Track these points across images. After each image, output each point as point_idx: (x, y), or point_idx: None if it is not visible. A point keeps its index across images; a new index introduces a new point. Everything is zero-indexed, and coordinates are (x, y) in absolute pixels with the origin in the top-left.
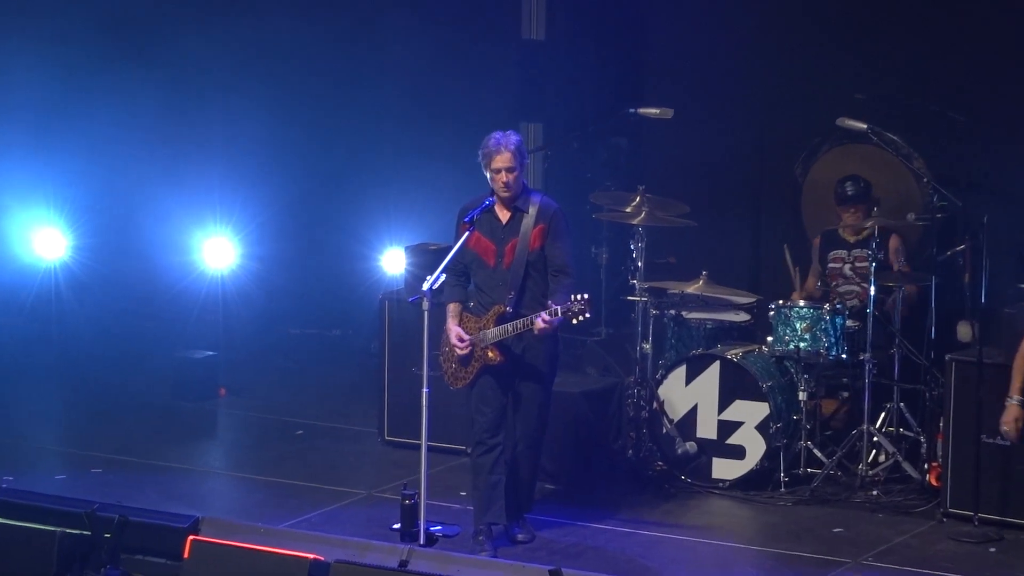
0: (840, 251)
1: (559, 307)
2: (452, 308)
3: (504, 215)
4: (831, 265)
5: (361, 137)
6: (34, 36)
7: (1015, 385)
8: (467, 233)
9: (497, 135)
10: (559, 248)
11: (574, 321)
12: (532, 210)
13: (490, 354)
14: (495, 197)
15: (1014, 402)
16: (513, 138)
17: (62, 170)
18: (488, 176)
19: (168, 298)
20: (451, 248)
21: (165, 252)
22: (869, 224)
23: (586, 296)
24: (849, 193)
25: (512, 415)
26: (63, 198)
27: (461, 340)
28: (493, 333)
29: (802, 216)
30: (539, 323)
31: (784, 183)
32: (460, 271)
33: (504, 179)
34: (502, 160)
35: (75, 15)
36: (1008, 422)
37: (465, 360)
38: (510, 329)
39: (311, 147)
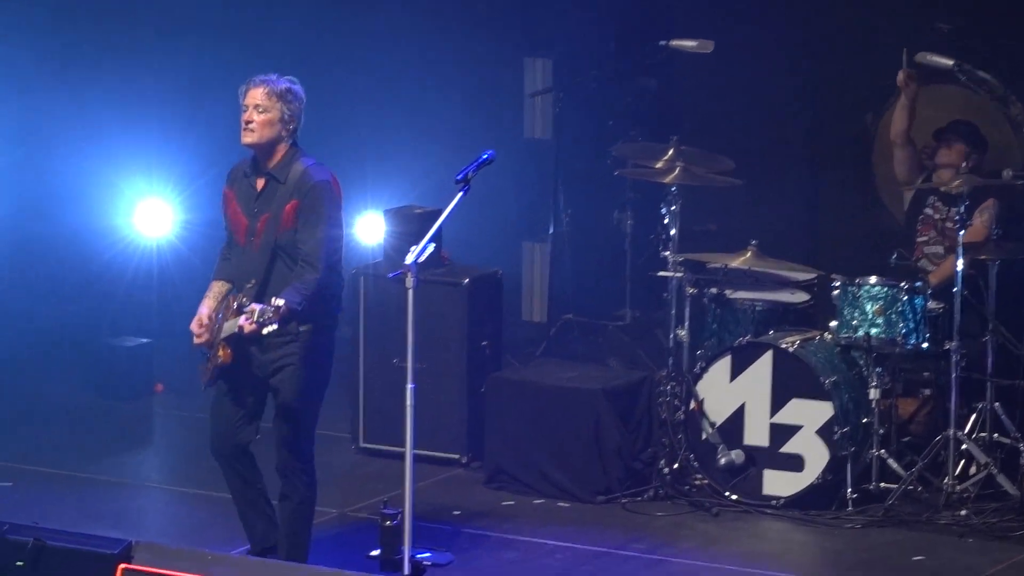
0: (939, 202)
1: (259, 308)
2: (214, 287)
3: (260, 182)
4: (926, 211)
5: (331, 81)
6: None
7: None
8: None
9: (270, 74)
10: (310, 232)
11: (264, 331)
12: (288, 180)
13: (220, 352)
14: (494, 151)
15: None
16: (283, 83)
17: None
18: None
19: (91, 273)
20: (441, 212)
21: (87, 217)
22: (957, 183)
23: (280, 303)
24: (956, 126)
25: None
26: None
27: (199, 323)
28: (229, 325)
29: (874, 174)
30: (241, 321)
31: (851, 133)
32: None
33: (247, 118)
34: (252, 95)
35: None
36: None
37: (207, 353)
38: (236, 326)
39: None
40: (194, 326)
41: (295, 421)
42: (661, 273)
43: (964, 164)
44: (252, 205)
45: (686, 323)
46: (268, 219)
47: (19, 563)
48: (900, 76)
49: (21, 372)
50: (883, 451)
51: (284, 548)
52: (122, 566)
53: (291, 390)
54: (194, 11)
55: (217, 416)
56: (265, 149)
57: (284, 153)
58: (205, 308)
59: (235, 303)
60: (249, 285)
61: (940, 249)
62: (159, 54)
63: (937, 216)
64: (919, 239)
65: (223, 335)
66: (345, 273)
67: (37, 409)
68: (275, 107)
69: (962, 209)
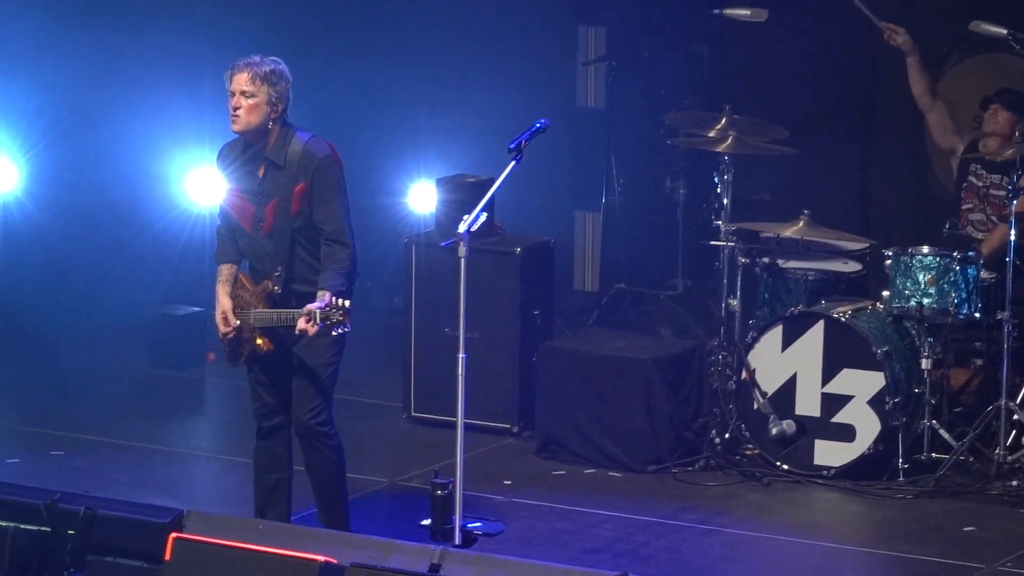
0: (982, 169)
1: (318, 309)
2: (224, 271)
3: (260, 169)
4: (969, 179)
5: (383, 49)
6: None
7: None
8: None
9: (251, 56)
10: (328, 210)
11: (333, 333)
12: (289, 163)
13: (259, 340)
14: (547, 120)
15: None
16: (267, 64)
17: (7, 81)
18: None
19: (144, 241)
20: (493, 181)
21: (140, 184)
22: (1009, 153)
23: (346, 304)
24: (1002, 94)
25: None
26: (13, 114)
27: (226, 322)
28: (261, 316)
29: (926, 145)
30: (300, 324)
31: (903, 102)
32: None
33: (234, 104)
34: (238, 81)
35: None
36: None
37: (235, 339)
38: (274, 318)
39: (321, 61)
40: (219, 320)
41: (319, 386)
42: (713, 242)
43: (1015, 134)
44: (257, 192)
45: (738, 293)
46: (277, 204)
47: (70, 532)
48: (885, 34)
49: (75, 341)
50: (934, 421)
51: (323, 517)
52: (173, 535)
53: (316, 356)
54: None
55: (256, 397)
56: (256, 134)
57: (277, 135)
58: (225, 298)
59: (261, 290)
60: (277, 273)
61: (982, 216)
62: (212, 22)
63: (980, 183)
64: (964, 207)
65: (259, 324)
66: (399, 242)
67: (89, 377)
68: (261, 91)
69: (1015, 178)
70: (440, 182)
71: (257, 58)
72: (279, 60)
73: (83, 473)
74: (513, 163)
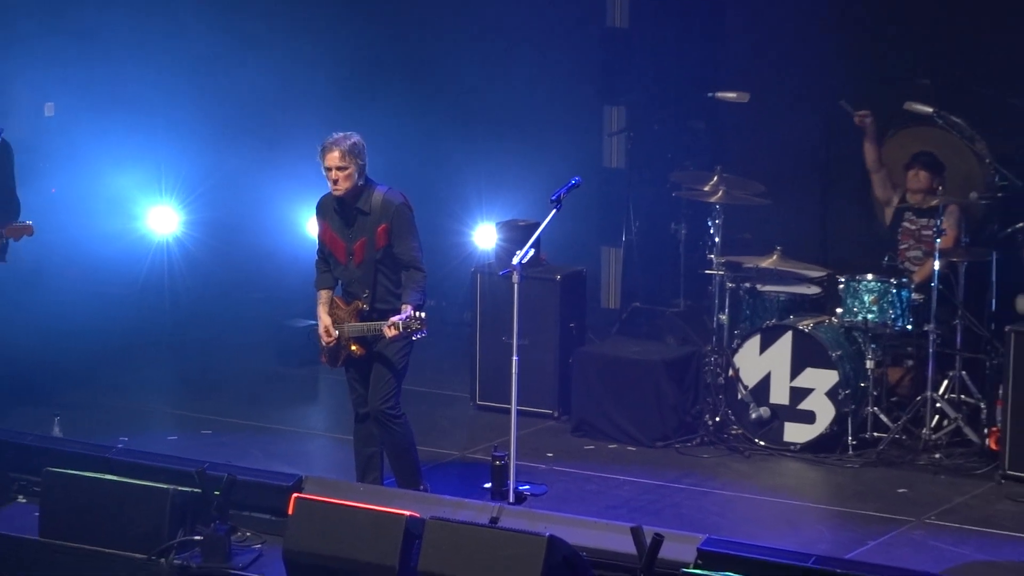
0: (913, 215)
1: (401, 320)
2: (323, 295)
3: (351, 215)
4: (904, 224)
5: (454, 117)
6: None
7: None
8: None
9: (335, 134)
10: (405, 244)
11: (414, 338)
12: (373, 209)
13: (353, 347)
14: (580, 177)
15: None
16: (349, 140)
17: (175, 149)
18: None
19: (274, 270)
20: (539, 224)
21: (272, 226)
22: (935, 202)
23: (423, 315)
24: (919, 157)
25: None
26: (173, 170)
27: (328, 333)
28: (355, 328)
29: (870, 196)
30: (388, 331)
31: (853, 163)
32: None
33: (333, 177)
34: (331, 159)
35: None
36: None
37: (335, 347)
38: (364, 329)
39: (403, 127)
40: (323, 333)
41: (392, 377)
42: (707, 271)
43: (939, 188)
44: (347, 233)
45: (726, 310)
46: (365, 242)
47: (216, 492)
48: (856, 119)
49: (221, 346)
50: (876, 408)
51: (400, 483)
52: (295, 495)
53: (391, 354)
54: (361, 60)
55: (352, 390)
56: (351, 193)
57: (362, 189)
58: (325, 316)
59: (353, 308)
60: (365, 295)
61: (919, 253)
62: (326, 101)
63: (913, 227)
64: (901, 247)
65: (352, 335)
66: (467, 271)
67: (231, 373)
68: (351, 163)
69: (939, 222)
70: (499, 225)
71: (340, 135)
72: (352, 134)
73: (226, 447)
74: (554, 210)
